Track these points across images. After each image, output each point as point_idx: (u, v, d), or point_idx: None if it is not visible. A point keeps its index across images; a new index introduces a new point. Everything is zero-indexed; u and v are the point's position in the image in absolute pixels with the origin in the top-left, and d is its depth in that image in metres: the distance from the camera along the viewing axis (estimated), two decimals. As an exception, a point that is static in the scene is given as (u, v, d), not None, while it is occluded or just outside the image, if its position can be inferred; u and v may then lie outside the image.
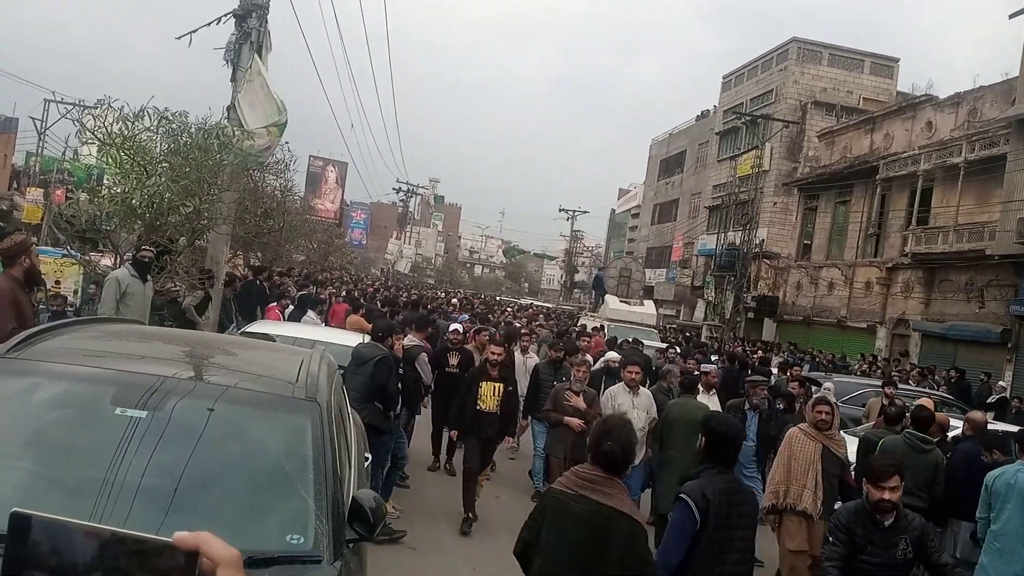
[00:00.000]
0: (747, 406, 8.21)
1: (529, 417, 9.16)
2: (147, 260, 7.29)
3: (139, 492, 2.76)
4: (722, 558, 3.75)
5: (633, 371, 7.92)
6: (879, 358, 23.22)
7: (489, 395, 7.70)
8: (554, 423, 7.63)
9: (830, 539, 4.42)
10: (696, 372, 9.54)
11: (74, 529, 0.83)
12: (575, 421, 7.45)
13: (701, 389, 8.58)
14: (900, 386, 13.06)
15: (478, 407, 7.65)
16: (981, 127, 23.40)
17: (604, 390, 8.62)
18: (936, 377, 18.91)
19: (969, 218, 22.89)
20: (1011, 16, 20.62)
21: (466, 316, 17.31)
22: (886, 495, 4.22)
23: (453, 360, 9.47)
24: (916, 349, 24.52)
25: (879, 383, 12.88)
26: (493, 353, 7.95)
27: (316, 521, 2.84)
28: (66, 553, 0.82)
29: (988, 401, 16.27)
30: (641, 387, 7.98)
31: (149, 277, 7.37)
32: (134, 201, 8.70)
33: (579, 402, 7.60)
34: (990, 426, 9.52)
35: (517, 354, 10.41)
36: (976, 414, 8.30)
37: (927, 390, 14.70)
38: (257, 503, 2.99)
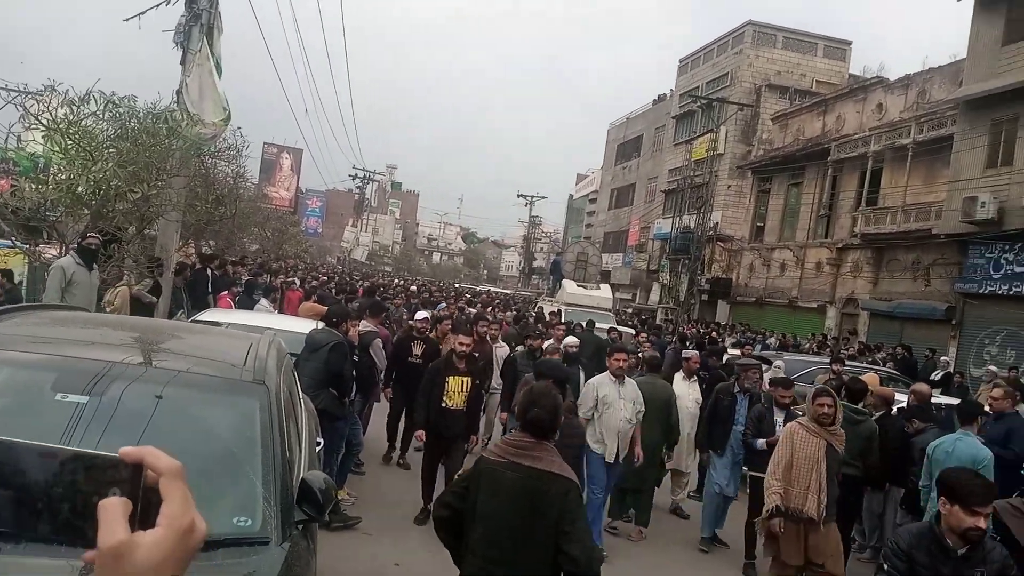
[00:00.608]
0: (737, 389, 7.86)
1: (508, 413, 8.47)
2: (93, 248, 7.15)
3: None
4: None
5: (619, 359, 7.12)
6: (829, 337, 23.73)
7: (456, 391, 7.16)
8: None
9: (884, 566, 3.81)
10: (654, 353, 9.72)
11: (29, 449, 0.86)
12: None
13: (683, 374, 8.74)
14: (848, 363, 13.39)
15: (443, 404, 7.12)
16: (930, 108, 23.97)
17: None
18: (883, 354, 19.40)
19: (917, 198, 23.46)
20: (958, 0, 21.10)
21: (443, 305, 16.84)
22: (981, 523, 3.54)
23: (417, 350, 9.00)
24: (864, 327, 25.12)
25: (827, 361, 13.19)
26: (461, 344, 7.39)
27: (264, 503, 2.84)
28: (23, 473, 0.86)
29: (933, 377, 16.73)
30: (627, 377, 7.28)
31: (95, 265, 7.23)
32: (80, 188, 8.49)
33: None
34: (935, 399, 9.87)
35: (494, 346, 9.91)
36: (921, 386, 8.58)
37: (873, 366, 15.07)
38: (204, 486, 2.95)
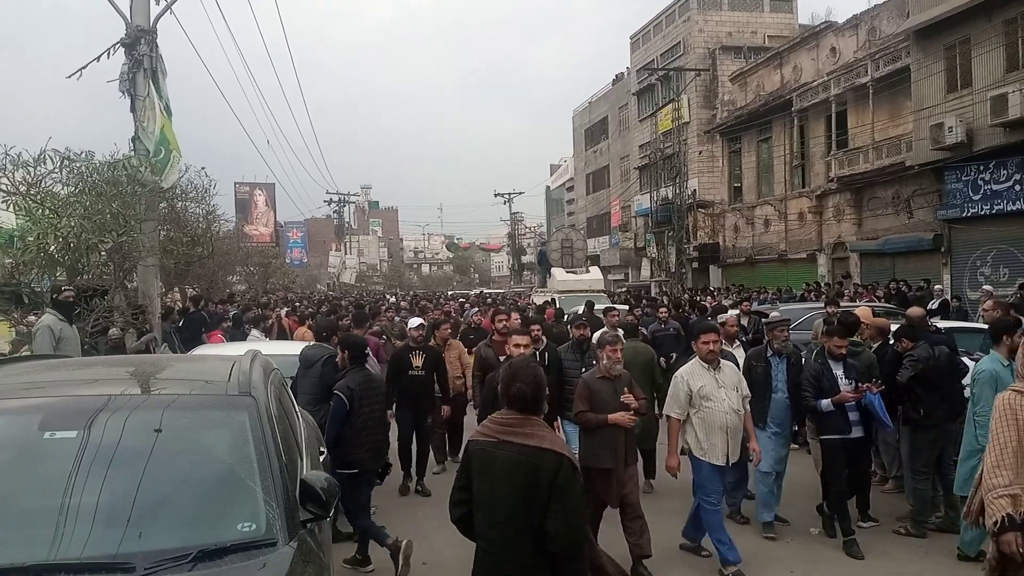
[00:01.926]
0: (769, 352, 6.94)
1: (559, 419, 7.32)
2: (71, 301, 7.13)
3: (93, 512, 2.75)
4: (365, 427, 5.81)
5: (710, 339, 5.99)
6: (822, 284, 23.81)
7: None
8: (595, 425, 5.89)
9: None
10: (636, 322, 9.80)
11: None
12: (624, 416, 5.76)
13: (723, 340, 7.17)
14: (843, 304, 13.43)
15: None
16: (882, 44, 24.07)
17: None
18: (880, 292, 19.46)
19: (885, 134, 23.56)
20: (891, -67, 21.23)
21: (475, 310, 16.02)
22: None
23: (416, 360, 8.24)
24: (857, 269, 25.20)
25: (822, 306, 13.22)
26: (517, 346, 6.48)
27: (266, 507, 2.85)
28: None
29: (930, 306, 16.81)
30: (723, 359, 6.19)
31: (74, 318, 7.20)
32: (51, 248, 8.46)
33: (631, 399, 5.84)
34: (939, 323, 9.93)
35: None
36: (914, 309, 8.57)
37: (867, 302, 15.13)
38: (206, 499, 2.99)
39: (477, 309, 19.37)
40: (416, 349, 8.31)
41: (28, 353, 6.79)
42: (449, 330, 9.42)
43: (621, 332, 7.53)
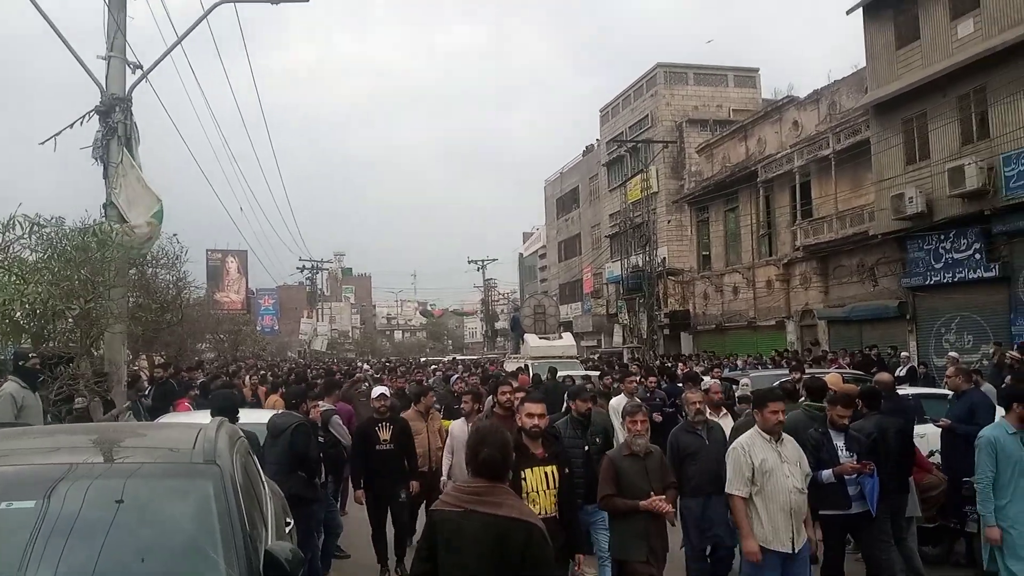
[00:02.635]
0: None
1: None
2: (36, 368, 7.00)
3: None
4: None
5: (778, 409, 5.33)
6: (789, 351, 24.04)
7: (540, 489, 4.99)
8: (624, 511, 5.19)
9: None
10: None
11: None
12: (660, 503, 5.15)
13: (708, 409, 7.16)
14: (809, 370, 13.58)
15: None
16: (842, 118, 24.92)
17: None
18: (847, 359, 19.67)
19: (848, 204, 24.19)
20: (848, 12, 22.22)
21: (454, 376, 15.72)
22: None
23: (384, 434, 7.64)
24: (825, 336, 25.51)
25: (787, 372, 13.38)
26: (530, 415, 5.16)
27: (228, 579, 2.77)
28: None
29: (898, 373, 17.03)
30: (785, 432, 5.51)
31: (37, 386, 7.07)
32: (16, 314, 8.33)
33: (663, 506, 5.22)
34: (903, 391, 10.05)
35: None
36: (883, 375, 8.70)
37: (835, 369, 15.30)
38: (167, 571, 2.91)
39: (456, 376, 19.08)
40: (381, 421, 7.71)
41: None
42: (434, 399, 8.92)
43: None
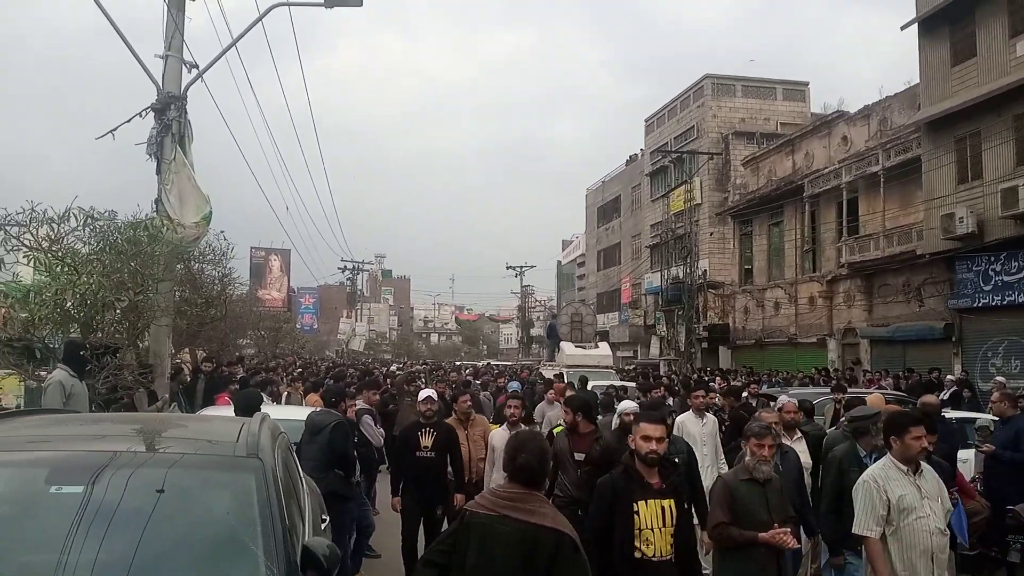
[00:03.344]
0: (863, 453, 5.67)
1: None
2: (85, 358, 7.18)
3: (91, 568, 2.73)
4: None
5: (921, 434, 4.60)
6: (831, 369, 23.65)
7: (656, 526, 4.21)
8: (741, 543, 4.55)
9: None
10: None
11: None
12: (785, 536, 4.49)
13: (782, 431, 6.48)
14: (851, 390, 13.34)
15: (638, 554, 4.20)
16: (893, 135, 24.50)
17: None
18: (890, 380, 19.30)
19: (896, 222, 23.76)
20: (903, 27, 21.88)
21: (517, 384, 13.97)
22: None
23: (426, 440, 7.26)
24: (867, 355, 25.06)
25: (829, 391, 13.15)
26: (647, 438, 4.30)
27: (267, 572, 2.83)
28: None
29: (942, 396, 16.65)
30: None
31: (84, 375, 7.24)
32: (67, 304, 8.55)
33: (786, 539, 4.53)
34: (948, 414, 9.84)
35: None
36: (928, 397, 8.52)
37: (875, 390, 15.01)
38: (208, 562, 2.98)
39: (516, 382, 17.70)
40: (425, 426, 7.34)
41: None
42: (468, 403, 8.28)
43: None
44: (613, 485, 4.30)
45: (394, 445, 7.73)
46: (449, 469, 7.50)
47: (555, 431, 7.46)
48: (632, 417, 6.07)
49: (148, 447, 3.63)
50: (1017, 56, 18.42)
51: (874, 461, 5.25)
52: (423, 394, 7.77)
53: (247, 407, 6.11)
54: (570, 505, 6.00)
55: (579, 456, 6.41)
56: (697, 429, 7.91)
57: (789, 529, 4.59)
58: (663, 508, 4.24)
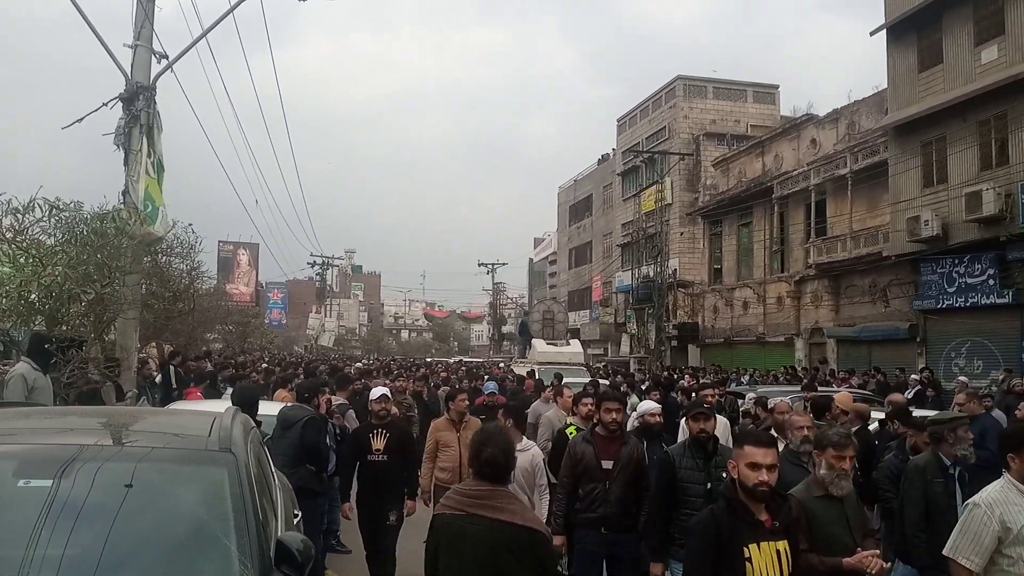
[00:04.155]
0: (948, 462, 4.95)
1: (664, 564, 5.06)
2: (50, 351, 7.03)
3: (59, 563, 2.67)
4: None
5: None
6: (799, 368, 23.96)
7: (771, 572, 3.45)
8: (823, 572, 3.92)
9: None
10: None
11: None
12: (872, 559, 3.87)
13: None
14: (820, 388, 13.53)
15: None
16: (861, 138, 24.87)
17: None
18: (857, 379, 19.59)
19: (863, 224, 24.12)
20: (871, 33, 22.22)
21: (492, 386, 11.57)
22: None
23: (378, 442, 6.65)
24: (833, 355, 25.43)
25: (799, 389, 13.32)
26: (755, 466, 3.51)
27: (241, 566, 2.79)
28: None
29: (906, 395, 16.93)
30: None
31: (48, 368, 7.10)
32: (32, 296, 8.38)
33: (873, 562, 3.87)
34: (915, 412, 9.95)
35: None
36: (896, 396, 8.65)
37: (845, 388, 15.23)
38: (180, 556, 2.92)
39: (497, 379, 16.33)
40: (378, 427, 6.78)
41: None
42: (465, 402, 7.63)
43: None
44: (717, 523, 3.46)
45: (345, 449, 7.12)
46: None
47: (568, 432, 6.72)
48: (655, 419, 6.05)
49: (120, 441, 3.56)
50: (982, 63, 18.79)
51: (958, 473, 4.87)
52: (376, 392, 7.14)
53: (247, 403, 5.96)
54: (595, 524, 5.38)
55: (607, 465, 5.43)
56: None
57: (877, 552, 3.99)
58: (778, 552, 3.48)
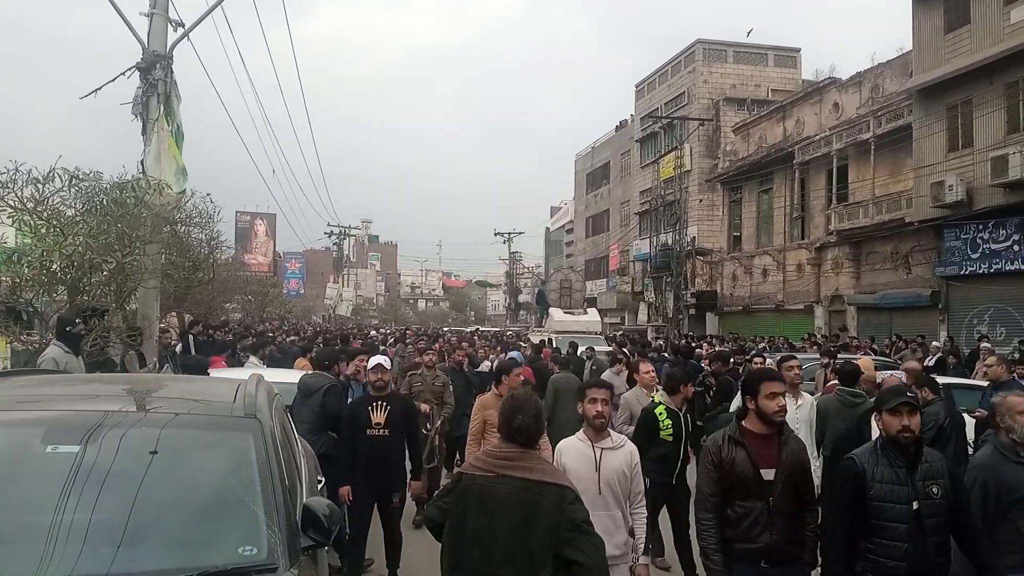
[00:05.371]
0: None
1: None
2: (80, 333, 7.07)
3: (86, 528, 2.69)
4: None
5: None
6: (819, 336, 23.82)
7: None
8: None
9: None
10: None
11: None
12: None
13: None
14: (840, 356, 13.44)
15: None
16: (884, 102, 24.42)
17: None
18: (875, 347, 19.46)
19: (885, 190, 23.79)
20: (895, -6, 21.71)
21: (516, 354, 11.41)
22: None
23: (378, 416, 6.09)
24: (853, 322, 25.24)
25: (818, 357, 13.26)
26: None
27: (268, 531, 2.81)
28: None
29: (927, 363, 16.80)
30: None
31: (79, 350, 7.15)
32: (54, 266, 8.42)
33: None
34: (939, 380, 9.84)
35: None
36: (911, 363, 8.55)
37: (864, 355, 15.13)
38: (207, 521, 2.95)
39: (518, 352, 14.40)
40: (377, 399, 6.19)
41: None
42: (521, 377, 6.96)
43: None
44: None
45: (343, 424, 6.35)
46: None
47: (658, 412, 6.01)
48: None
49: (145, 407, 3.58)
50: (1011, 23, 18.32)
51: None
52: (373, 360, 6.51)
53: (329, 361, 7.27)
54: (755, 556, 3.88)
55: (767, 475, 3.90)
56: (790, 413, 5.21)
57: None
58: None
